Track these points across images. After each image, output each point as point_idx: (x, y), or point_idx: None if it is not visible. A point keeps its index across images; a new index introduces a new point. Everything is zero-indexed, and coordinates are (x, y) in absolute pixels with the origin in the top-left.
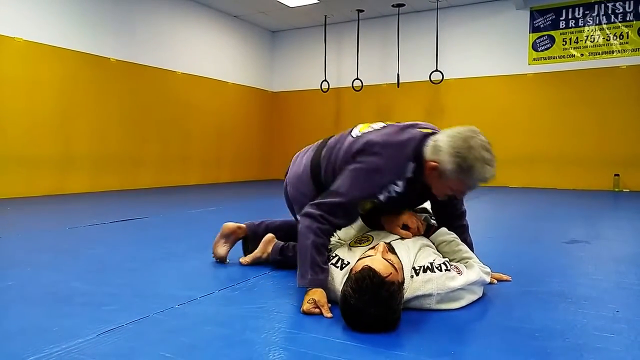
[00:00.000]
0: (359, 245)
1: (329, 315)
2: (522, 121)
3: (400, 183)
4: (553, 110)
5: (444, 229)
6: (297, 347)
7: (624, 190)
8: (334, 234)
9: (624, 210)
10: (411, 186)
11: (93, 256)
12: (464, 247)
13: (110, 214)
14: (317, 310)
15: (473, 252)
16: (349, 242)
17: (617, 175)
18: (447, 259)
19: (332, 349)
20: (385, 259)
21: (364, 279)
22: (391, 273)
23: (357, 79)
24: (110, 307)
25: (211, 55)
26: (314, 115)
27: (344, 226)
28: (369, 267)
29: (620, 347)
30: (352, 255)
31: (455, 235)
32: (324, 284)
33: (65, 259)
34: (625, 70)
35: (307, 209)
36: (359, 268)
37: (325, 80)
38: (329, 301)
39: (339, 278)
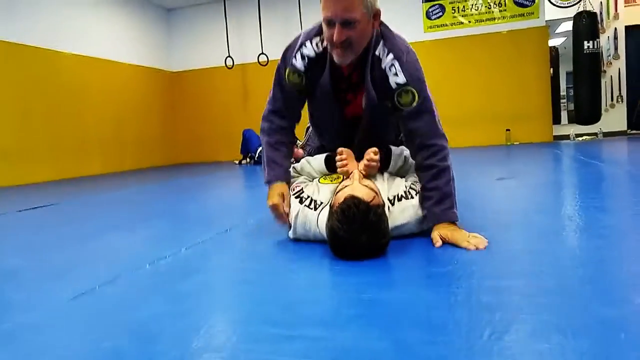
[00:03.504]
0: (328, 182)
1: (288, 210)
2: None
3: (308, 44)
4: (449, 74)
5: (396, 156)
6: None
7: (515, 142)
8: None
9: (521, 156)
10: (323, 55)
11: (17, 241)
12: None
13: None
14: (279, 211)
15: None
16: (316, 179)
17: (509, 130)
18: (413, 180)
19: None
20: (363, 185)
21: (350, 208)
22: (374, 197)
23: (263, 53)
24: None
25: (101, 35)
26: (220, 93)
27: (292, 114)
28: (352, 195)
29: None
30: (324, 194)
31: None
32: (282, 176)
33: None
34: (505, 35)
35: None
36: (342, 200)
37: (229, 56)
38: (308, 241)
39: (314, 219)
